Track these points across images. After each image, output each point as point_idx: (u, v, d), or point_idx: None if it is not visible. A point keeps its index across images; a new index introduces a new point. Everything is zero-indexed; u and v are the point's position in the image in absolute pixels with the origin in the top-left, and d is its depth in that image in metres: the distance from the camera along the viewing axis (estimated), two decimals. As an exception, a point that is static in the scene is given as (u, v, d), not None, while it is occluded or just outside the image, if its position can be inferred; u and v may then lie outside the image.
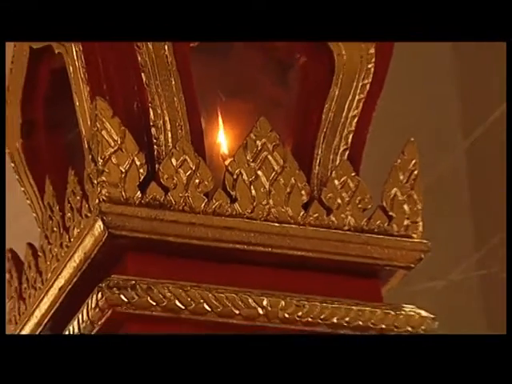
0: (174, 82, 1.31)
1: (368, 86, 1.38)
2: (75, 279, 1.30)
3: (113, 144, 1.25)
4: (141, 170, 1.26)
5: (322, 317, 1.28)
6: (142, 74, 1.30)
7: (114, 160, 1.25)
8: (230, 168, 1.29)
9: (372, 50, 1.37)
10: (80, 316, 1.27)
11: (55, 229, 1.35)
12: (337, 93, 1.37)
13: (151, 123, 1.29)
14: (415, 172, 1.37)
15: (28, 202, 1.48)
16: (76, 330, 1.28)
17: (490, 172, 4.89)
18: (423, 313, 1.34)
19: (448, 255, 4.11)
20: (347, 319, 1.30)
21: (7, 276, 1.49)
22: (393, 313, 1.32)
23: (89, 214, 1.26)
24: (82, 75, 1.34)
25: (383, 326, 1.31)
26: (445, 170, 4.28)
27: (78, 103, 1.35)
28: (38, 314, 1.39)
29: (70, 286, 1.32)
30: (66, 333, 1.32)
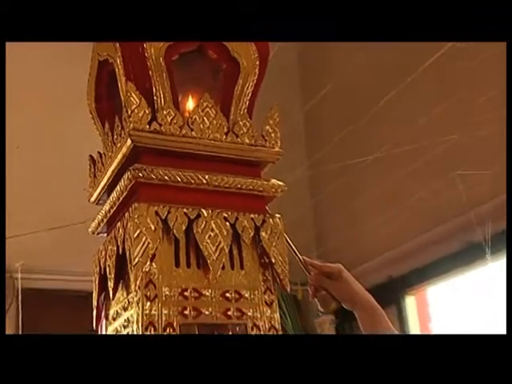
0: (164, 76, 1.26)
1: (255, 79, 1.34)
2: (119, 166, 1.27)
3: (135, 103, 1.21)
4: (149, 116, 1.22)
5: (233, 184, 1.26)
6: (150, 71, 1.25)
7: (136, 111, 1.21)
8: (190, 115, 1.26)
9: (257, 62, 1.34)
10: (120, 183, 1.25)
11: (109, 144, 1.31)
12: (241, 82, 1.33)
13: (153, 94, 1.25)
14: (277, 119, 1.34)
15: (98, 132, 1.43)
16: (119, 190, 1.25)
17: (321, 128, 4.90)
18: (280, 183, 1.31)
19: (292, 161, 4.13)
20: (245, 185, 1.27)
21: (88, 165, 1.44)
22: (266, 182, 1.29)
23: (124, 136, 1.22)
24: (122, 72, 1.29)
25: (261, 189, 1.28)
26: (293, 122, 4.29)
27: (120, 85, 1.30)
28: (102, 183, 1.35)
29: (116, 170, 1.28)
30: (114, 193, 1.28)
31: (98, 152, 1.39)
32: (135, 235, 1.15)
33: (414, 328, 3.98)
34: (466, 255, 3.47)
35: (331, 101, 4.32)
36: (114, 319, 1.25)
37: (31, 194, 4.08)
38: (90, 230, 1.40)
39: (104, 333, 1.30)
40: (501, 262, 3.39)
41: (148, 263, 1.14)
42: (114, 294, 1.24)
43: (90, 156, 1.44)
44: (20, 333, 3.85)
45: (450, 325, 4.06)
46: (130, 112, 1.21)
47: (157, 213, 1.18)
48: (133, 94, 1.22)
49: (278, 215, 1.29)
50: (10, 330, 3.89)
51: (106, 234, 1.35)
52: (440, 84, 3.65)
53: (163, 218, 1.18)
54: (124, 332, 1.19)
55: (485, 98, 3.31)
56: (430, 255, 3.75)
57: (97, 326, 1.32)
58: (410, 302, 4.05)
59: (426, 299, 4.11)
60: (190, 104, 1.35)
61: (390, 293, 3.92)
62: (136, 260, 1.13)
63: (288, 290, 1.25)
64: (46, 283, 4.01)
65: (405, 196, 3.81)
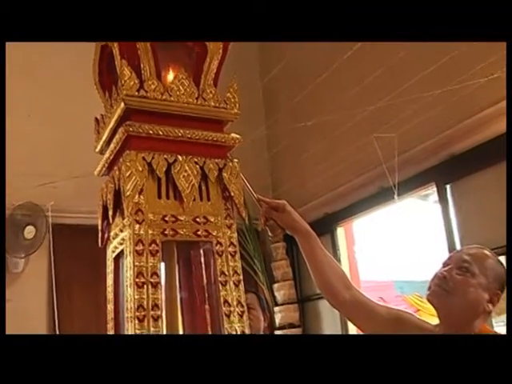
0: (150, 55, 1.22)
1: (219, 58, 1.29)
2: (115, 124, 1.23)
3: (127, 75, 1.18)
4: (137, 85, 1.18)
5: (201, 137, 1.23)
6: (138, 52, 1.21)
7: (127, 81, 1.18)
8: (170, 85, 1.22)
9: (221, 46, 1.29)
10: (116, 136, 1.21)
11: (108, 107, 1.26)
12: (208, 61, 1.28)
13: (141, 69, 1.21)
14: (236, 88, 1.29)
15: (101, 100, 1.36)
16: (115, 142, 1.22)
17: (276, 98, 4.83)
18: (238, 136, 1.27)
19: (254, 123, 4.09)
20: (211, 137, 1.24)
21: (94, 124, 1.37)
22: (227, 136, 1.26)
23: (119, 101, 1.19)
24: (118, 53, 1.23)
25: (223, 140, 1.25)
26: (254, 93, 4.22)
27: (116, 62, 1.24)
28: (103, 137, 1.30)
29: (113, 127, 1.24)
30: (112, 144, 1.24)
31: (101, 114, 1.35)
32: (127, 175, 1.13)
33: (343, 250, 4.05)
34: (380, 197, 3.51)
35: (283, 77, 4.28)
36: (114, 239, 1.24)
37: (59, 152, 4.03)
38: (95, 172, 1.37)
39: (107, 249, 1.29)
40: (404, 202, 3.47)
41: (137, 196, 1.13)
42: (113, 220, 1.22)
43: (96, 118, 1.40)
44: (52, 256, 3.84)
45: (368, 247, 4.13)
46: (123, 82, 1.18)
47: (144, 158, 1.16)
48: (125, 69, 1.19)
49: (236, 160, 1.27)
50: (45, 252, 3.87)
51: (107, 175, 1.33)
52: (361, 67, 3.61)
53: (148, 161, 1.16)
54: (120, 248, 1.18)
55: (394, 78, 3.31)
56: (355, 197, 3.79)
57: (102, 243, 1.31)
58: (340, 232, 4.10)
59: (352, 229, 4.18)
60: (170, 76, 1.30)
61: (326, 225, 3.97)
62: (128, 193, 1.12)
63: (243, 215, 1.24)
64: (70, 220, 3.97)
65: (337, 152, 3.83)
